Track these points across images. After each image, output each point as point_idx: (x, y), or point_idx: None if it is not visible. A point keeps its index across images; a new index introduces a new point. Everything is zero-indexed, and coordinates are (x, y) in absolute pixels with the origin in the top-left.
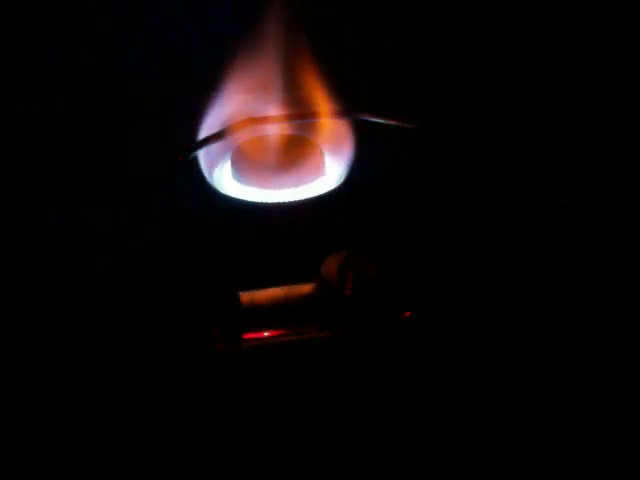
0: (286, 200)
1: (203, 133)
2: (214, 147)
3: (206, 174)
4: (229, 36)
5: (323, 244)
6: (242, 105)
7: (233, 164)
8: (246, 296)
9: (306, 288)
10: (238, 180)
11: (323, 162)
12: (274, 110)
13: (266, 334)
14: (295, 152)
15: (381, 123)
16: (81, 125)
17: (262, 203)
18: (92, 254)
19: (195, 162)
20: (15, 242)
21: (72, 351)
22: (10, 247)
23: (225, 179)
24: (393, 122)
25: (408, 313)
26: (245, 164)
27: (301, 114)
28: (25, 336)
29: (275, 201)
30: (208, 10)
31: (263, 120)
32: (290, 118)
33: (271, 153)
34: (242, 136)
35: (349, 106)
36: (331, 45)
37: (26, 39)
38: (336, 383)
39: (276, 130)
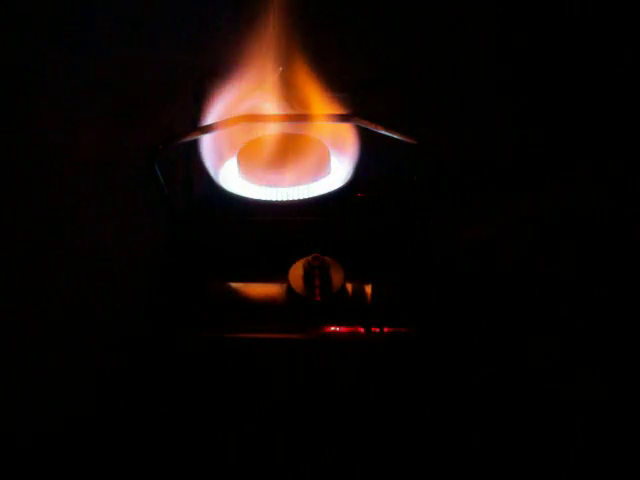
0: (290, 198)
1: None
2: (220, 145)
3: (212, 172)
4: (231, 37)
5: (323, 243)
6: (240, 103)
7: (239, 162)
8: (234, 289)
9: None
10: (243, 178)
11: (329, 161)
12: (271, 109)
13: (245, 328)
14: (301, 151)
15: (379, 132)
16: (82, 123)
17: (266, 201)
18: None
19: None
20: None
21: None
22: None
23: (231, 177)
24: (391, 133)
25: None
26: (251, 162)
27: (297, 115)
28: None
29: (279, 199)
30: (210, 9)
31: (257, 118)
32: (285, 118)
33: (277, 152)
34: (235, 132)
35: (350, 111)
36: (332, 47)
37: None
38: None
39: (281, 129)
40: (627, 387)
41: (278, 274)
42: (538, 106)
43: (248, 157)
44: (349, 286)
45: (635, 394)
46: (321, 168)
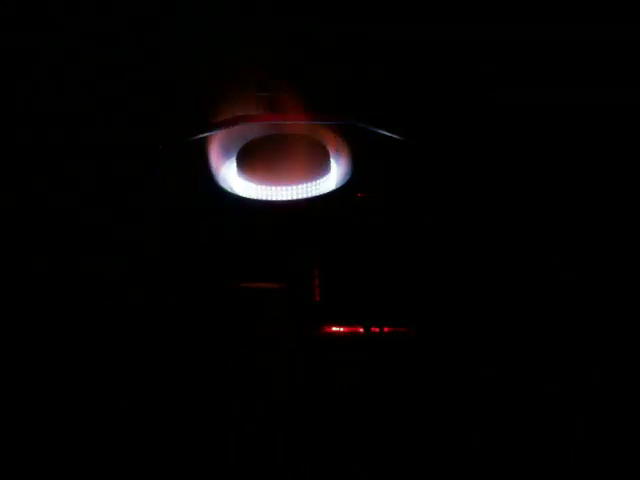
0: (290, 198)
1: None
2: (220, 145)
3: (213, 172)
4: (227, 36)
5: (323, 243)
6: (235, 104)
7: (238, 162)
8: (233, 289)
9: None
10: (243, 178)
11: (328, 162)
12: (265, 110)
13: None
14: (300, 151)
15: (374, 132)
16: (81, 123)
17: (265, 201)
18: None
19: (199, 158)
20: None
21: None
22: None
23: (230, 177)
24: (385, 133)
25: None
26: (250, 162)
27: (296, 115)
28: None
29: (279, 199)
30: (206, 10)
31: (256, 118)
32: (284, 119)
33: (276, 152)
34: (235, 133)
35: (345, 112)
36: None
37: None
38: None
39: (281, 129)
40: (627, 387)
41: (278, 274)
42: (539, 103)
43: (248, 157)
44: (349, 286)
45: (635, 394)
46: (320, 168)
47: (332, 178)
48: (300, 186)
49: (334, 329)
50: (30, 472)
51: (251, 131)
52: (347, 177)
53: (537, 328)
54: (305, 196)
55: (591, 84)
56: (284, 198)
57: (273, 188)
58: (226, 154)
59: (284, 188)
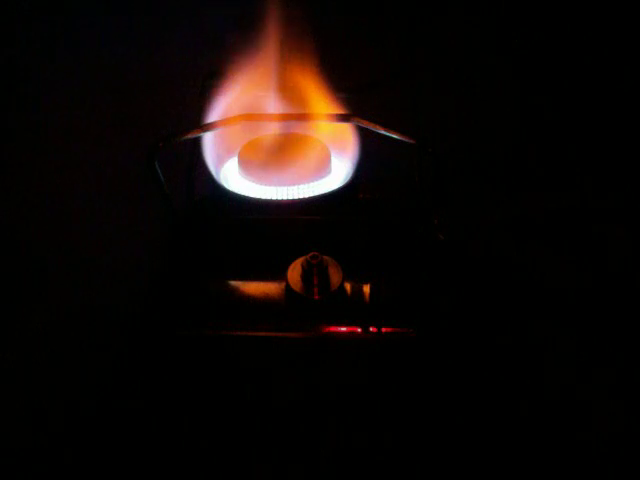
0: (290, 197)
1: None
2: (221, 144)
3: (213, 171)
4: (231, 35)
5: (322, 242)
6: (241, 102)
7: (240, 161)
8: (233, 288)
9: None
10: (244, 177)
11: (329, 161)
12: (272, 108)
13: (244, 327)
14: (301, 151)
15: (379, 132)
16: (82, 123)
17: (266, 200)
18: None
19: (199, 157)
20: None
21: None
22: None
23: (231, 176)
24: (391, 133)
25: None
26: (251, 161)
27: (298, 115)
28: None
29: (279, 198)
30: (210, 9)
31: (258, 117)
32: (286, 118)
33: (277, 151)
34: (236, 132)
35: (350, 111)
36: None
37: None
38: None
39: (282, 128)
40: (627, 389)
41: (277, 273)
42: (536, 104)
43: (249, 156)
44: (347, 285)
45: (636, 395)
46: (321, 168)
47: (333, 178)
48: (301, 185)
49: (334, 329)
50: None
51: (253, 130)
52: (347, 177)
53: (538, 328)
54: (305, 196)
55: None
56: (285, 197)
57: (274, 187)
58: (227, 153)
59: (285, 187)
